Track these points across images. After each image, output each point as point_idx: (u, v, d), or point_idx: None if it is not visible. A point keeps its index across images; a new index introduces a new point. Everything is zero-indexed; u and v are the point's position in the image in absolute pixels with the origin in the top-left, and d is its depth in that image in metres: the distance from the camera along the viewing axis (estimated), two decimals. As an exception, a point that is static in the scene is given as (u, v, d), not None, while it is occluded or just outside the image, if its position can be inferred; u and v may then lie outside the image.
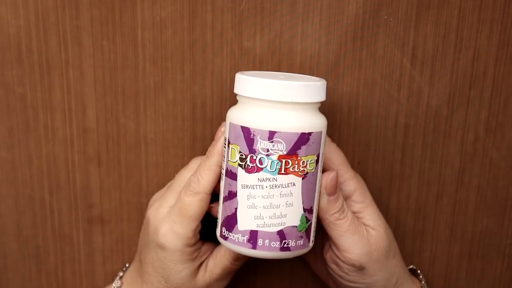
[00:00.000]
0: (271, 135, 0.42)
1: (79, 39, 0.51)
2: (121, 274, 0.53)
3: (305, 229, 0.44)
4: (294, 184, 0.43)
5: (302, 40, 0.50)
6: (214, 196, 0.47)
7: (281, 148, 0.42)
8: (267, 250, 0.43)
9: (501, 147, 0.52)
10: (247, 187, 0.43)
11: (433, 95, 0.51)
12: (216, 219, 0.47)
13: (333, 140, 0.50)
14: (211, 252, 0.49)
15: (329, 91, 0.51)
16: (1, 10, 0.51)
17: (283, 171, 0.42)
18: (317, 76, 0.50)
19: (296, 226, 0.44)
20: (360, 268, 0.46)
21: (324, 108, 0.50)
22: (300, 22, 0.50)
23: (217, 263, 0.48)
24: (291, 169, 0.42)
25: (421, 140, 0.52)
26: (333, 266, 0.48)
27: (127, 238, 0.56)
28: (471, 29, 0.50)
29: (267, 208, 0.43)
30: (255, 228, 0.43)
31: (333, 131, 0.52)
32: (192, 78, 0.52)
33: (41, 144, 0.54)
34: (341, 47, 0.50)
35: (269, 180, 0.42)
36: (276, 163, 0.42)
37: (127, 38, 0.51)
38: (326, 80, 0.50)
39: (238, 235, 0.44)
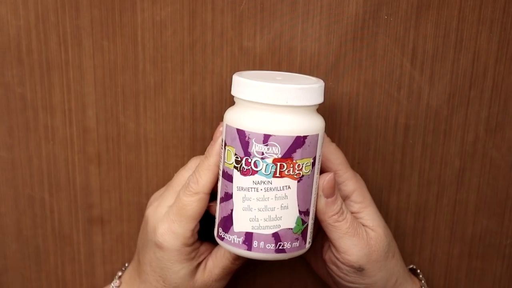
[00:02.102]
0: (266, 138, 0.42)
1: (79, 39, 0.51)
2: (120, 273, 0.53)
3: (301, 231, 0.44)
4: (289, 187, 0.43)
5: (302, 40, 0.50)
6: (214, 194, 0.47)
7: (276, 151, 0.42)
8: (262, 252, 0.43)
9: (501, 147, 0.52)
10: (242, 189, 0.43)
11: (433, 95, 0.51)
12: (215, 218, 0.47)
13: (333, 140, 0.50)
14: (210, 252, 0.49)
15: (329, 91, 0.51)
16: (1, 10, 0.51)
17: (278, 174, 0.42)
18: (317, 76, 0.50)
19: (291, 229, 0.43)
20: (359, 269, 0.46)
21: (324, 108, 0.51)
22: (300, 22, 0.50)
23: (216, 263, 0.48)
24: (286, 172, 0.42)
25: (421, 140, 0.52)
26: (333, 267, 0.48)
27: (127, 238, 0.56)
28: (471, 29, 0.50)
29: (262, 211, 0.43)
30: (250, 230, 0.43)
31: (333, 132, 0.52)
32: (192, 78, 0.52)
33: (41, 144, 0.54)
34: (341, 47, 0.50)
35: (264, 183, 0.42)
36: (271, 166, 0.42)
37: (127, 39, 0.51)
38: (326, 80, 0.50)
39: (233, 236, 0.44)
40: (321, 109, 0.46)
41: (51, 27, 0.51)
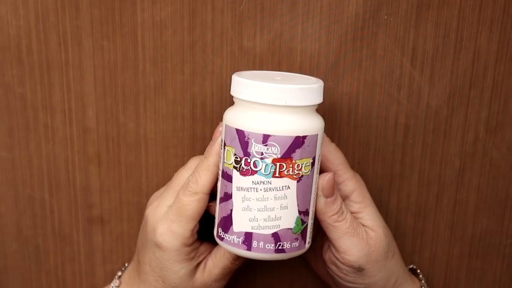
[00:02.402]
0: (265, 138, 0.42)
1: (79, 39, 0.51)
2: (119, 273, 0.53)
3: (300, 231, 0.44)
4: (288, 187, 0.43)
5: (302, 40, 0.50)
6: (214, 194, 0.47)
7: (275, 151, 0.42)
8: (261, 252, 0.43)
9: (501, 147, 0.52)
10: (242, 189, 0.43)
11: (433, 95, 0.51)
12: (214, 218, 0.47)
13: (333, 140, 0.50)
14: (209, 252, 0.49)
15: (329, 91, 0.51)
16: (1, 10, 0.51)
17: (277, 175, 0.42)
18: (317, 76, 0.50)
19: (291, 229, 0.43)
20: (359, 269, 0.46)
21: (324, 108, 0.51)
22: (300, 22, 0.50)
23: (216, 263, 0.48)
24: (285, 173, 0.42)
25: (421, 140, 0.52)
26: (332, 267, 0.48)
27: (127, 238, 0.56)
28: (471, 29, 0.49)
29: (262, 211, 0.43)
30: (249, 230, 0.43)
31: (333, 132, 0.52)
32: (192, 78, 0.52)
33: (41, 144, 0.54)
34: (341, 47, 0.50)
35: (263, 183, 0.42)
36: (270, 167, 0.42)
37: (127, 38, 0.51)
38: (326, 80, 0.50)
39: (233, 237, 0.44)
40: (321, 109, 0.46)
41: (51, 27, 0.51)
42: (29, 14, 0.51)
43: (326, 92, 0.50)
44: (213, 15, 0.50)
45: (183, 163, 0.52)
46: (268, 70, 0.51)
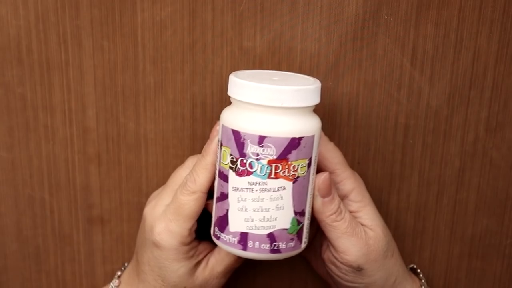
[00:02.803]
0: (261, 139, 0.42)
1: (79, 39, 0.51)
2: (119, 273, 0.53)
3: (296, 231, 0.44)
4: (284, 188, 0.42)
5: (302, 40, 0.50)
6: (212, 192, 0.47)
7: (271, 152, 0.42)
8: (257, 252, 0.43)
9: (501, 147, 0.52)
10: (237, 189, 0.43)
11: (433, 95, 0.51)
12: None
13: (332, 140, 0.50)
14: (210, 250, 0.49)
15: (329, 91, 0.51)
16: (1, 10, 0.51)
17: (273, 176, 0.42)
18: (316, 76, 0.50)
19: (286, 229, 0.43)
20: (358, 269, 0.46)
21: (323, 108, 0.51)
22: (300, 22, 0.50)
23: (220, 261, 0.48)
24: (281, 174, 0.42)
25: (421, 140, 0.52)
26: (331, 267, 0.48)
27: (127, 238, 0.56)
28: (471, 29, 0.49)
29: (257, 211, 0.43)
30: (245, 230, 0.43)
31: (333, 132, 0.52)
32: (192, 78, 0.52)
33: (41, 144, 0.54)
34: (341, 47, 0.50)
35: (259, 184, 0.42)
36: (266, 168, 0.42)
37: (127, 38, 0.51)
38: (326, 80, 0.50)
39: (229, 236, 0.44)
40: (321, 110, 0.46)
41: (51, 27, 0.51)
42: (29, 14, 0.51)
43: (326, 92, 0.50)
44: (213, 15, 0.50)
45: (183, 163, 0.52)
46: (268, 70, 0.51)
